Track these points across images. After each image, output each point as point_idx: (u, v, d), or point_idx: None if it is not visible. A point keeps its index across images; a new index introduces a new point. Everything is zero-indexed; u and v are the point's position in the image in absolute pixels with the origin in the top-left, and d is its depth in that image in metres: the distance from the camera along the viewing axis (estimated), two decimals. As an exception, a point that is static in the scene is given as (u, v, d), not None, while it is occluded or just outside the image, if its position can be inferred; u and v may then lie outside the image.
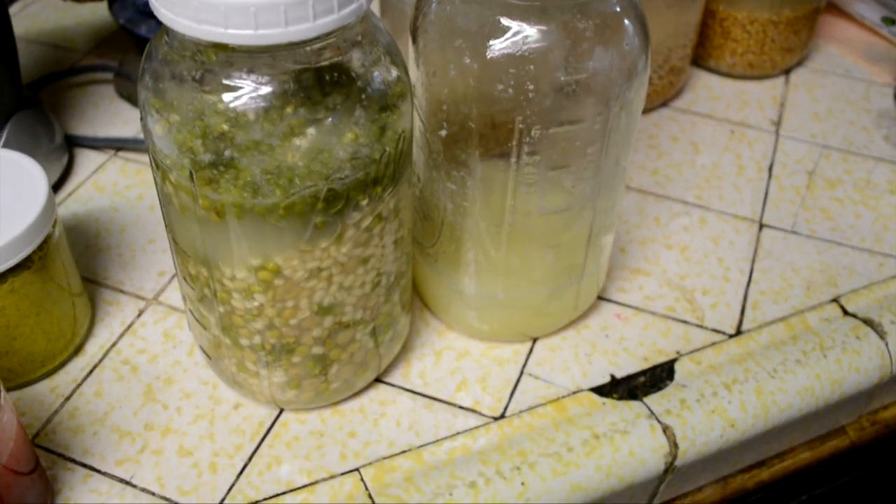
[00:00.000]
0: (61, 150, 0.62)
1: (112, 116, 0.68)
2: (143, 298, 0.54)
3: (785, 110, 0.71)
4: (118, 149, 0.65)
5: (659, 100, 0.69)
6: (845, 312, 0.54)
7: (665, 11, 0.64)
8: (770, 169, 0.65)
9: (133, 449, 0.46)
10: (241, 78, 0.35)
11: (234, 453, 0.46)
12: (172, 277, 0.55)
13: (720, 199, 0.62)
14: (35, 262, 0.46)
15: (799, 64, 0.76)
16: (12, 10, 0.79)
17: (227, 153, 0.35)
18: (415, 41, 0.43)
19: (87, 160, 0.64)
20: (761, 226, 0.60)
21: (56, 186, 0.61)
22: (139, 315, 0.53)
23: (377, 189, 0.39)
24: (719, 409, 0.48)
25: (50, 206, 0.46)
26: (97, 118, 0.68)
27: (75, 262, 0.51)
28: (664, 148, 0.66)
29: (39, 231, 0.45)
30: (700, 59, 0.74)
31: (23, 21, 0.79)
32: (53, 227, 0.47)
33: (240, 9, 0.32)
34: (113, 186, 0.62)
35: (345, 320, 0.43)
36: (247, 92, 0.35)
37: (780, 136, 0.68)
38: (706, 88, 0.73)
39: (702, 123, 0.69)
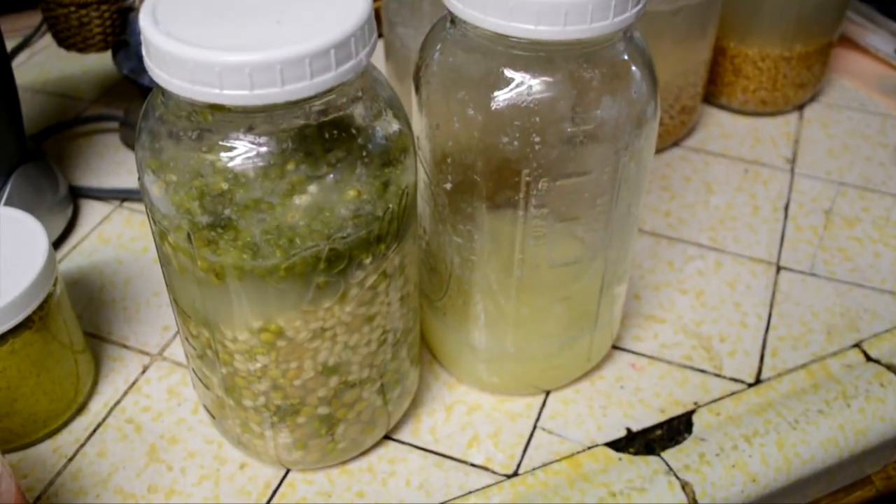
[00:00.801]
0: (65, 202, 0.62)
1: (117, 166, 0.67)
2: (147, 354, 0.53)
3: (799, 147, 0.70)
4: (123, 199, 0.64)
5: (670, 139, 0.68)
6: (868, 358, 0.52)
7: (674, 50, 0.63)
8: (786, 209, 0.63)
9: (136, 513, 0.45)
10: (238, 138, 0.34)
11: (240, 517, 0.45)
12: (177, 332, 0.54)
13: (735, 241, 0.60)
14: (36, 321, 0.45)
15: (812, 99, 0.75)
16: (18, 59, 0.79)
17: (226, 213, 0.34)
18: (418, 91, 0.42)
19: (92, 211, 0.64)
20: (779, 268, 0.58)
21: (60, 239, 0.61)
22: (143, 371, 0.52)
23: (381, 247, 0.37)
24: (740, 464, 0.46)
25: (50, 265, 0.46)
26: (102, 168, 0.67)
27: (77, 319, 0.50)
28: (677, 189, 0.65)
29: (40, 291, 0.45)
30: (711, 96, 0.73)
31: (29, 70, 0.79)
32: (54, 285, 0.46)
33: (235, 69, 0.31)
34: (118, 238, 0.61)
35: (351, 379, 0.41)
36: (245, 151, 0.34)
37: (796, 173, 0.67)
38: (718, 126, 0.72)
39: (715, 163, 0.68)
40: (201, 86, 0.32)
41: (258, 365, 0.39)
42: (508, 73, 0.38)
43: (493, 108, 0.38)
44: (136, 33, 0.63)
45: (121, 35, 0.64)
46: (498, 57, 0.38)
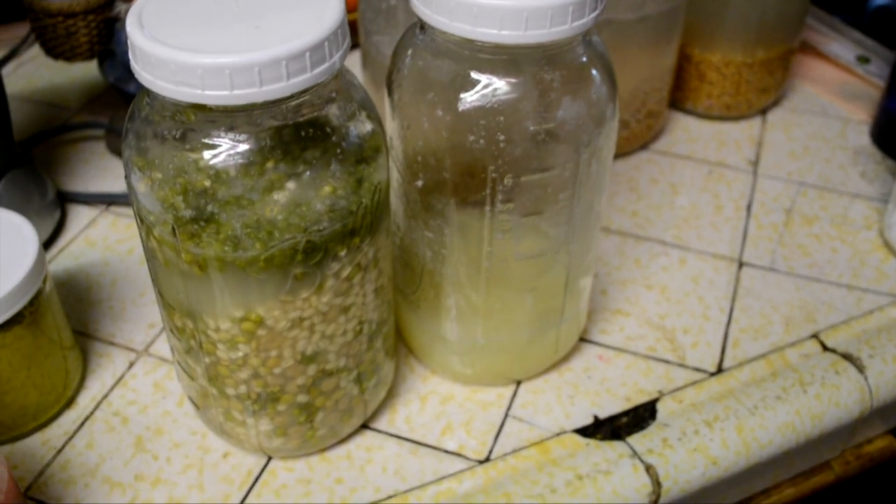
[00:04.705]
0: (53, 207, 0.64)
1: (103, 172, 0.69)
2: (133, 350, 0.55)
3: (762, 150, 0.72)
4: (109, 203, 0.66)
5: (638, 143, 0.71)
6: (825, 348, 0.55)
7: (640, 57, 0.66)
8: (748, 208, 0.66)
9: (123, 500, 0.47)
10: (219, 136, 0.36)
11: (223, 502, 0.46)
12: (162, 329, 0.56)
13: (699, 238, 0.63)
14: (26, 317, 0.47)
15: (775, 104, 0.78)
16: (7, 69, 0.81)
17: (209, 208, 0.37)
18: (390, 94, 0.44)
19: (79, 215, 0.65)
20: (740, 264, 0.61)
21: (49, 242, 0.63)
22: (130, 367, 0.54)
23: (355, 240, 0.40)
24: (701, 447, 0.48)
25: (40, 263, 0.47)
26: (89, 174, 0.69)
27: (66, 317, 0.52)
28: (644, 190, 0.67)
29: (30, 287, 0.46)
30: (677, 101, 0.76)
31: (18, 80, 0.81)
32: (44, 282, 0.48)
33: (215, 70, 0.33)
34: (104, 241, 0.63)
35: (328, 368, 0.44)
36: (226, 150, 0.36)
37: (758, 175, 0.69)
38: (684, 130, 0.75)
39: (680, 165, 0.70)
40: (184, 87, 0.34)
41: (239, 354, 0.41)
42: (475, 75, 0.40)
43: (460, 108, 0.40)
44: (122, 42, 0.65)
45: (107, 44, 0.66)
46: (465, 60, 0.40)
